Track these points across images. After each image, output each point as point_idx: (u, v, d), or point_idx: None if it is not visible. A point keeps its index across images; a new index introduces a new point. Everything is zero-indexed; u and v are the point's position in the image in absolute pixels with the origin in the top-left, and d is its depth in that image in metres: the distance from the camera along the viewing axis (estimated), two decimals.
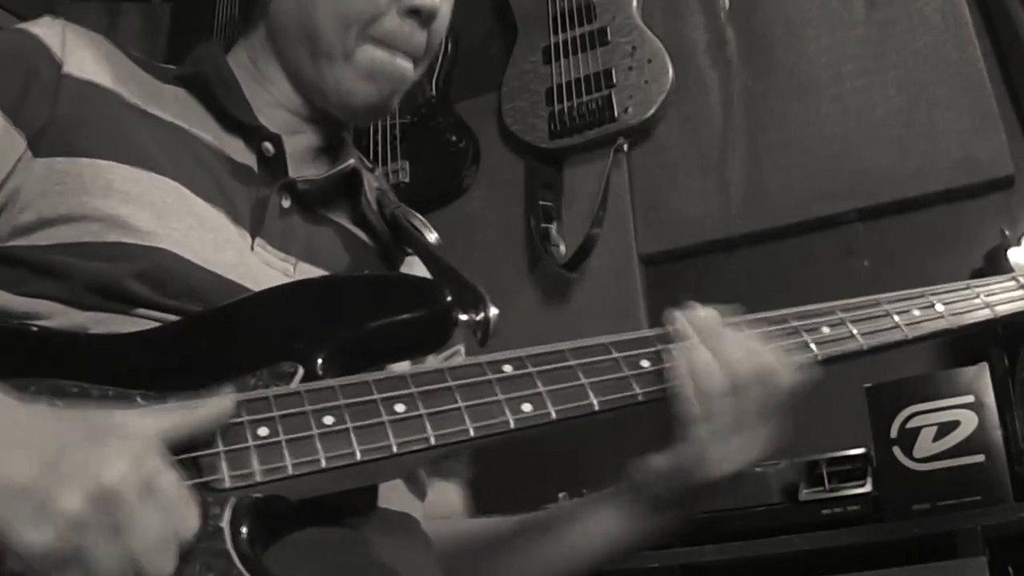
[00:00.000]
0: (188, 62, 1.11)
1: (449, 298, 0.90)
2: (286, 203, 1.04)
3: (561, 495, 1.75)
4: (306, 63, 1.06)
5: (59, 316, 0.88)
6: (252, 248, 0.99)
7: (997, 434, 1.57)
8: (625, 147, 2.29)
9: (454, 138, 2.49)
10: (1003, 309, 1.04)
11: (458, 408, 0.82)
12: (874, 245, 2.07)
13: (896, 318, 0.99)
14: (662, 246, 2.26)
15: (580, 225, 2.28)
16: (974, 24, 2.04)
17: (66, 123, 0.94)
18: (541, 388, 0.85)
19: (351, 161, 1.10)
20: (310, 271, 1.03)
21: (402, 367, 0.87)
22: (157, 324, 0.88)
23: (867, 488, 1.66)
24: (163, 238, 0.91)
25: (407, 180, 2.47)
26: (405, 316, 0.88)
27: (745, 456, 0.91)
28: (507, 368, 0.86)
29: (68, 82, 0.96)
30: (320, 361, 0.83)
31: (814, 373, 0.94)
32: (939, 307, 1.01)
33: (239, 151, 1.05)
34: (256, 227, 1.01)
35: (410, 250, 1.13)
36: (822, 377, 0.95)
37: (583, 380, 0.87)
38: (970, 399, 1.60)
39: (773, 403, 0.91)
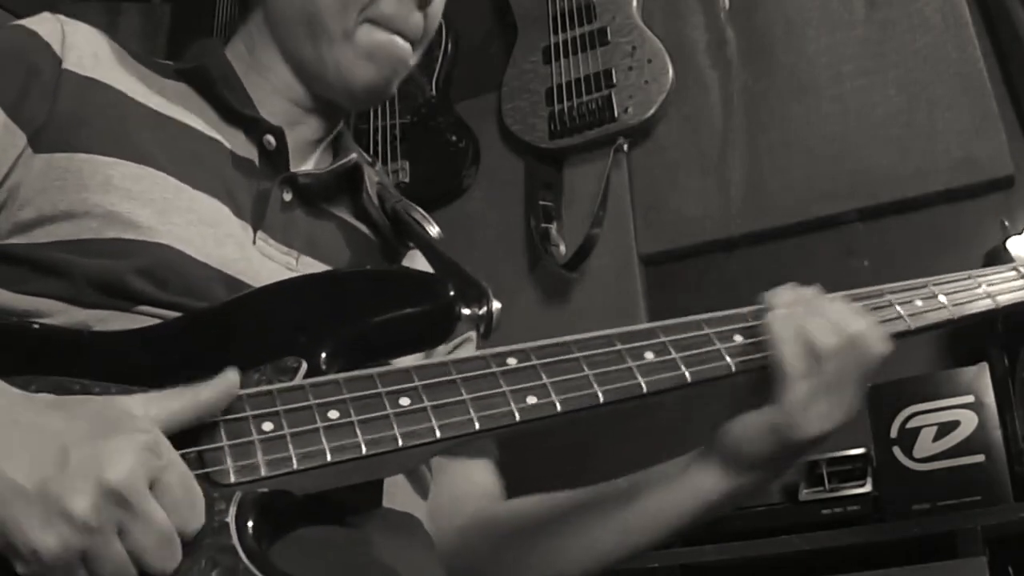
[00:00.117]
0: (188, 57, 1.11)
1: (452, 292, 0.90)
2: (288, 197, 1.04)
3: None
4: (306, 46, 1.06)
5: (60, 314, 0.88)
6: (254, 242, 0.99)
7: (997, 434, 1.57)
8: (625, 147, 2.28)
9: (454, 138, 2.48)
10: (1004, 299, 1.05)
11: (463, 401, 0.81)
12: (874, 245, 2.06)
13: (899, 308, 0.99)
14: (662, 246, 2.26)
15: (580, 225, 2.27)
16: (974, 24, 2.03)
17: (66, 119, 0.94)
18: (545, 380, 0.85)
19: (353, 155, 1.10)
20: (312, 265, 1.03)
21: (406, 361, 0.86)
22: (159, 321, 0.87)
23: (867, 488, 1.66)
24: (164, 233, 0.91)
25: (407, 180, 2.46)
26: (408, 310, 0.88)
27: (840, 416, 0.93)
28: (511, 360, 0.85)
29: (68, 78, 0.96)
30: (323, 356, 0.83)
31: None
32: (942, 297, 1.01)
33: (240, 144, 1.05)
34: (258, 221, 1.01)
35: (411, 244, 1.12)
36: None
37: (587, 372, 0.87)
38: (970, 399, 1.60)
39: (867, 368, 0.93)
